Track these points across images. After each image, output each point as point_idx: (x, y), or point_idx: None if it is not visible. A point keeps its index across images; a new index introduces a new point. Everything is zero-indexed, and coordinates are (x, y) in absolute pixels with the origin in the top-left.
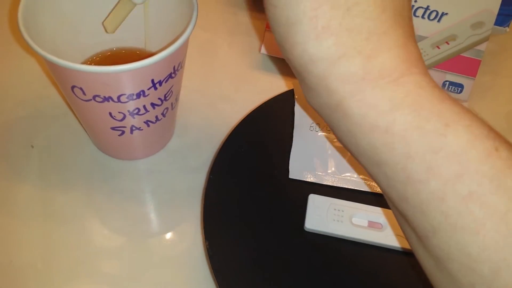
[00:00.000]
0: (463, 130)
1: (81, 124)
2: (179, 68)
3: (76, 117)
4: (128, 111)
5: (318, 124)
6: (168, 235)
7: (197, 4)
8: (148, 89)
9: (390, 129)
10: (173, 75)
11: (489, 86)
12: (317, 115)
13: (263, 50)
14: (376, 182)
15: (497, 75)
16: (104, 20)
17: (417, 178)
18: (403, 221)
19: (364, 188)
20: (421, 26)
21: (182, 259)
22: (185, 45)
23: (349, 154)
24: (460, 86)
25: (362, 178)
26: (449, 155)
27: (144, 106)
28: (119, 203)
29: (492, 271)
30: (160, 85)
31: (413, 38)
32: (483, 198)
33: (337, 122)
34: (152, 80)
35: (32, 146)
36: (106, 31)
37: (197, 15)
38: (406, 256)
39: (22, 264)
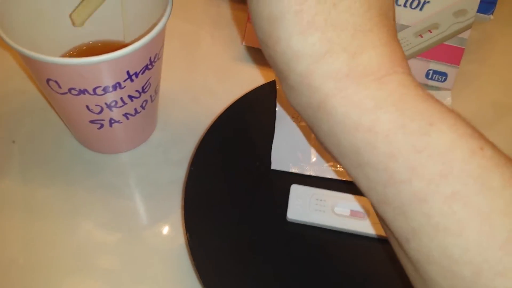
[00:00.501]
0: (447, 129)
1: (61, 119)
2: (156, 60)
3: (56, 112)
4: (105, 103)
5: (298, 115)
6: (151, 228)
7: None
8: (124, 81)
9: (373, 128)
10: (149, 66)
11: (474, 75)
12: None
13: (245, 42)
14: (357, 184)
15: (482, 63)
16: (72, 13)
17: (399, 178)
18: (383, 225)
19: (346, 177)
20: (404, 15)
21: (165, 251)
22: (160, 36)
23: None
24: (444, 74)
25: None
26: (433, 154)
27: (121, 99)
28: (102, 197)
29: (473, 273)
30: (137, 77)
31: (396, 38)
32: (466, 198)
33: (318, 122)
34: (128, 72)
35: (13, 142)
36: (73, 24)
37: (171, 6)
38: (389, 245)
39: (4, 259)
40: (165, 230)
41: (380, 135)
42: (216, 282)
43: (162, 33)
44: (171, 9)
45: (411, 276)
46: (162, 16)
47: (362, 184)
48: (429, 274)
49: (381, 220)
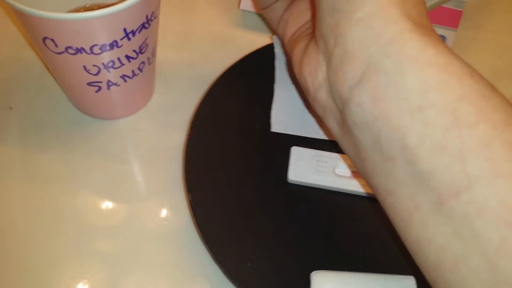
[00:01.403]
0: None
1: (59, 84)
2: (152, 18)
3: (53, 77)
4: (103, 64)
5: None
6: (151, 192)
7: None
8: (121, 39)
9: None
10: (146, 25)
11: (472, 40)
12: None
13: (242, 6)
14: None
15: (480, 29)
16: None
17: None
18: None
19: None
20: None
21: (166, 214)
22: None
23: None
24: (443, 37)
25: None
26: None
27: (118, 59)
28: (100, 162)
29: None
30: (134, 35)
31: None
32: None
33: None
34: (125, 30)
35: (11, 108)
36: None
37: None
38: None
39: (3, 223)
40: (166, 193)
41: None
42: (219, 241)
43: None
44: None
45: (443, 244)
46: None
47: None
48: (477, 229)
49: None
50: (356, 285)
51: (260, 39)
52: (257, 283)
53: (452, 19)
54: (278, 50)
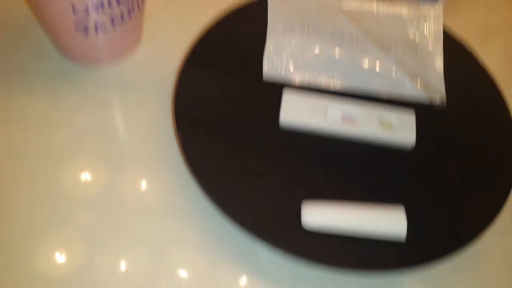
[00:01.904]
0: None
1: (46, 30)
2: None
3: (40, 23)
4: (92, 2)
5: (293, 26)
6: (138, 136)
7: None
8: None
9: None
10: None
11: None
12: (291, 16)
13: None
14: None
15: None
16: None
17: None
18: None
19: (336, 86)
20: None
21: (155, 157)
22: None
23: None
24: None
25: (335, 77)
26: None
27: (108, 1)
28: (86, 108)
29: None
30: None
31: None
32: None
33: None
34: None
35: None
36: None
37: None
38: (380, 148)
39: None
40: (154, 137)
41: None
42: (211, 181)
43: None
44: None
45: None
46: None
47: None
48: None
49: None
50: (345, 213)
51: None
52: (249, 217)
53: None
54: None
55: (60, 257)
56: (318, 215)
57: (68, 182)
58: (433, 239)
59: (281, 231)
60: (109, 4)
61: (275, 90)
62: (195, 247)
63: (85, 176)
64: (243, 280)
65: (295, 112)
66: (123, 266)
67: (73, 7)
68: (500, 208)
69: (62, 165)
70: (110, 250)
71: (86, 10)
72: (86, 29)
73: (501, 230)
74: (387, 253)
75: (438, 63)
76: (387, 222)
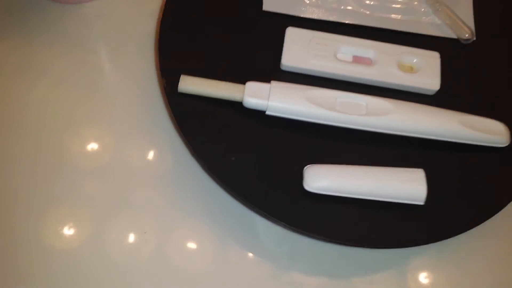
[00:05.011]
0: None
1: None
2: None
3: None
4: None
5: None
6: (119, 82)
7: None
8: None
9: None
10: None
11: None
12: None
13: None
14: None
15: None
16: None
17: None
18: None
19: (350, 21)
20: None
21: (138, 102)
22: None
23: None
24: None
25: (349, 9)
26: None
27: None
28: (63, 51)
29: None
30: None
31: None
32: None
33: None
34: None
35: None
36: None
37: None
38: (399, 94)
39: None
40: (136, 82)
41: None
42: (199, 136)
43: None
44: None
45: None
46: None
47: None
48: None
49: None
50: (352, 178)
51: None
52: (241, 178)
53: None
54: None
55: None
56: (322, 175)
57: (53, 141)
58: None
59: (278, 198)
60: None
61: (277, 22)
62: (198, 217)
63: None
64: (243, 251)
65: (300, 52)
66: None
67: None
68: None
69: (44, 119)
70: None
71: None
72: None
73: None
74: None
75: None
76: (405, 180)
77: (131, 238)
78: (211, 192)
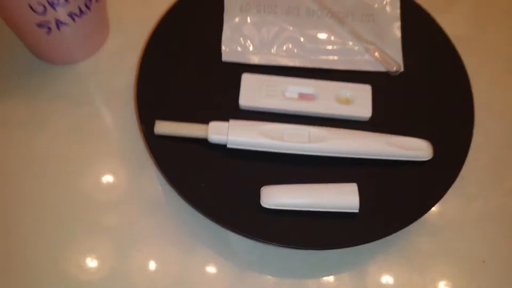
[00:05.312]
0: None
1: (13, 31)
2: None
3: (7, 24)
4: (47, 1)
5: (249, 5)
6: (110, 128)
7: None
8: None
9: None
10: None
11: None
12: None
13: None
14: None
15: None
16: None
17: None
18: None
19: (295, 64)
20: None
21: (125, 146)
22: None
23: (281, 35)
24: None
25: (293, 55)
26: None
27: None
28: (62, 105)
29: None
30: None
31: None
32: None
33: None
34: None
35: None
36: None
37: None
38: (338, 122)
39: None
40: (122, 128)
41: None
42: (175, 168)
43: None
44: None
45: None
46: None
47: None
48: None
49: None
50: (301, 194)
51: None
52: (210, 200)
53: None
54: None
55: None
56: (276, 194)
57: (59, 180)
58: (382, 212)
59: (242, 215)
60: (65, 0)
61: (234, 70)
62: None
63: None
64: (216, 264)
65: (254, 93)
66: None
67: (31, 7)
68: (449, 185)
69: (45, 168)
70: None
71: (43, 7)
72: (48, 27)
73: (452, 199)
74: (343, 226)
75: (395, 31)
76: (341, 193)
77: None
78: (191, 215)
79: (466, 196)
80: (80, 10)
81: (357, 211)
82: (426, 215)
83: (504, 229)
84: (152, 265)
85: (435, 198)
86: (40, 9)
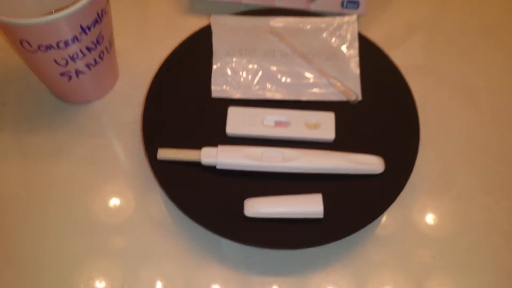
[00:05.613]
0: None
1: (39, 78)
2: (103, 15)
3: (34, 73)
4: (69, 56)
5: (233, 49)
6: (121, 155)
7: None
8: (80, 34)
9: None
10: (98, 20)
11: (388, 0)
12: (232, 42)
13: None
14: None
15: None
16: None
17: None
18: None
19: (271, 97)
20: None
21: (133, 171)
22: None
23: (260, 74)
24: (356, 2)
25: (270, 89)
26: None
27: (81, 51)
28: (82, 137)
29: None
30: (89, 30)
31: None
32: None
33: None
34: (81, 26)
35: (4, 104)
36: None
37: None
38: (308, 144)
39: (7, 195)
40: (131, 155)
41: None
42: (175, 186)
43: None
44: None
45: None
46: None
47: None
48: None
49: None
50: (276, 204)
51: (204, 22)
52: (204, 212)
53: None
54: (215, 28)
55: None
56: (257, 205)
57: (77, 205)
58: (344, 217)
59: (229, 223)
60: (82, 53)
61: (222, 104)
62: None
63: (90, 201)
64: (213, 261)
65: (238, 122)
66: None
67: (55, 61)
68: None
69: (63, 192)
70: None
71: (66, 61)
72: (69, 76)
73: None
74: (310, 229)
75: (354, 66)
76: (309, 203)
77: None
78: (192, 229)
79: (414, 204)
80: (95, 61)
81: (321, 216)
82: (379, 221)
83: (450, 234)
84: (159, 285)
85: (387, 204)
86: (63, 62)
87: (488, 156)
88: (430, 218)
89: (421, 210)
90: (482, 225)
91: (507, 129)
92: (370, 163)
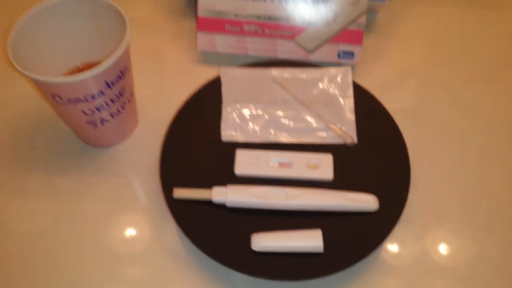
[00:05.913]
0: None
1: (67, 125)
2: (125, 71)
3: (63, 120)
4: (95, 107)
5: (241, 97)
6: (141, 194)
7: (129, 27)
8: (105, 88)
9: None
10: (121, 76)
11: (382, 49)
12: (239, 91)
13: (199, 48)
14: None
15: (389, 39)
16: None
17: None
18: None
19: (275, 140)
20: (315, 10)
21: (151, 208)
22: (123, 55)
23: (265, 119)
24: (351, 53)
25: (274, 133)
26: None
27: (105, 102)
28: (105, 177)
29: None
30: (113, 85)
31: None
32: None
33: None
34: (106, 81)
35: (35, 147)
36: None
37: (128, 35)
38: (309, 183)
39: (37, 233)
40: (150, 193)
41: None
42: (188, 219)
43: (125, 53)
44: (129, 36)
45: None
46: (123, 40)
47: None
48: None
49: None
50: (281, 239)
51: (215, 71)
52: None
53: (356, 37)
54: (224, 79)
55: None
56: (263, 240)
57: (102, 240)
58: (343, 251)
59: (238, 256)
60: (107, 104)
61: (231, 147)
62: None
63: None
64: None
65: (246, 164)
66: None
67: (83, 111)
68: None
69: (88, 228)
70: None
71: (92, 111)
72: (94, 123)
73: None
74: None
75: (350, 112)
76: (310, 238)
77: None
78: (204, 262)
79: (410, 237)
80: (118, 110)
81: (322, 251)
82: (376, 254)
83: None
84: None
85: (381, 239)
86: (89, 112)
87: (477, 193)
88: (423, 252)
89: (414, 244)
90: (473, 259)
91: (495, 167)
92: (365, 201)
